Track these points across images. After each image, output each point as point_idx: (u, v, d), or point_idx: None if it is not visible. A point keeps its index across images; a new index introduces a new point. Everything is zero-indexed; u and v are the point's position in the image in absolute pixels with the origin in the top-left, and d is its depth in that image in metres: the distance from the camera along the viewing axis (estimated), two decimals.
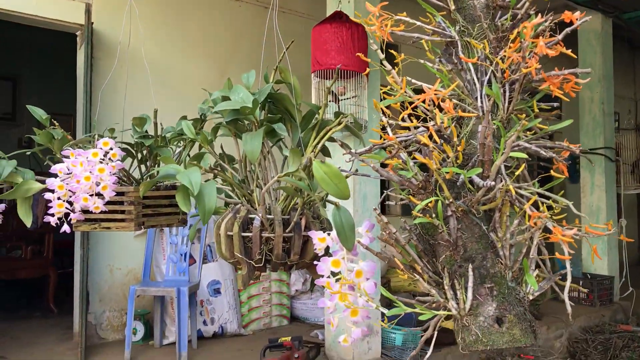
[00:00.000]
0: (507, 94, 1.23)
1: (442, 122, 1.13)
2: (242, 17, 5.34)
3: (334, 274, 1.40)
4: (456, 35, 1.29)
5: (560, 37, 1.21)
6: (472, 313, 1.11)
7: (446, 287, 1.13)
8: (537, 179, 1.32)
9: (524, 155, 1.13)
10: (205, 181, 1.37)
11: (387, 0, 1.40)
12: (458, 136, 1.27)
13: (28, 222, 1.92)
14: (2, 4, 3.89)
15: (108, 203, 2.02)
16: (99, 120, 4.01)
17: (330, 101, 3.92)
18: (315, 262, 1.43)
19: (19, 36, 7.09)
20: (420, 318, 1.14)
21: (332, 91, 4.01)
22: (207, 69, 5.03)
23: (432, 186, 1.15)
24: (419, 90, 1.27)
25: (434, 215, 1.14)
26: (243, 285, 1.61)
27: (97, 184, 1.91)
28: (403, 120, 1.21)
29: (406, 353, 4.05)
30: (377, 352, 4.09)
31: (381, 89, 1.31)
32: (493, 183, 1.06)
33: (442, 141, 1.17)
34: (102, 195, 1.94)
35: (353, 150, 1.29)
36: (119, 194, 2.04)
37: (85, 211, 2.02)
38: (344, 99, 3.98)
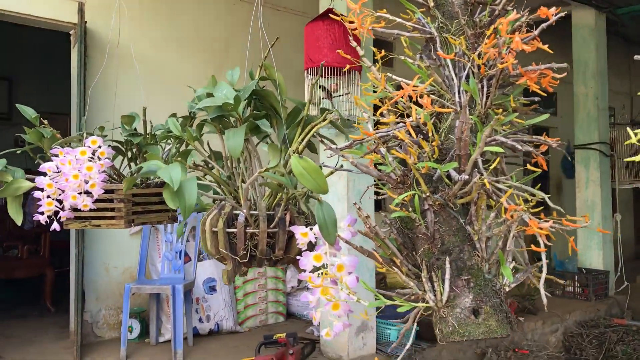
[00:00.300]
0: (485, 89, 1.24)
1: (419, 118, 1.15)
2: (237, 15, 5.35)
3: (317, 268, 1.42)
4: (435, 31, 1.31)
5: (536, 32, 1.22)
6: (449, 305, 1.13)
7: (424, 280, 1.14)
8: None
9: (500, 150, 1.15)
10: (187, 178, 1.38)
11: None
12: (437, 131, 1.29)
13: (18, 221, 1.94)
14: None
15: (98, 201, 2.04)
16: (93, 119, 4.03)
17: (323, 98, 3.94)
18: (299, 257, 1.45)
19: (15, 35, 7.11)
20: (399, 310, 1.16)
21: (326, 88, 4.02)
22: (202, 67, 5.04)
23: (410, 180, 1.17)
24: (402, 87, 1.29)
25: (410, 209, 1.15)
26: (228, 281, 1.63)
27: (86, 182, 1.93)
28: (382, 115, 1.23)
29: (400, 348, 4.08)
30: (372, 347, 4.11)
31: (361, 86, 1.32)
32: (467, 177, 1.08)
33: (420, 136, 1.18)
34: (90, 193, 1.96)
35: (334, 146, 1.30)
36: (108, 191, 2.06)
37: (75, 209, 2.03)
38: (337, 96, 4.00)
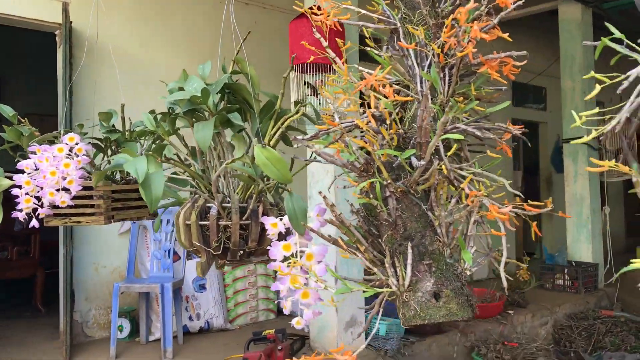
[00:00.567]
0: (447, 78, 1.26)
1: (379, 107, 1.17)
2: (227, 13, 5.36)
3: (287, 258, 1.44)
4: (398, 22, 1.33)
5: (495, 21, 1.24)
6: (411, 289, 1.15)
7: (387, 265, 1.16)
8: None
9: (461, 137, 1.17)
10: (155, 171, 1.40)
11: None
12: (402, 120, 1.31)
13: None
14: None
15: (78, 197, 2.06)
16: (80, 119, 4.04)
17: (308, 95, 3.96)
18: (269, 248, 1.47)
19: (3, 36, 7.09)
20: (363, 296, 1.18)
21: (311, 85, 4.03)
22: (191, 64, 5.04)
23: (373, 169, 1.19)
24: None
25: (371, 196, 1.17)
26: (202, 273, 1.65)
27: (64, 179, 1.94)
28: (345, 105, 1.25)
29: (389, 342, 4.10)
30: (361, 342, 4.13)
31: (327, 77, 1.33)
32: (423, 163, 1.10)
33: (381, 124, 1.20)
34: (68, 189, 1.97)
35: (300, 137, 1.32)
36: (87, 188, 2.07)
37: (55, 206, 2.05)
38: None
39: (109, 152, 2.21)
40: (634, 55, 0.89)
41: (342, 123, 1.25)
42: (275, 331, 4.02)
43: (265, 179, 1.49)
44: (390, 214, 1.18)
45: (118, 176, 2.19)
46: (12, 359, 3.99)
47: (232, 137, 1.47)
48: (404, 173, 1.21)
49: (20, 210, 1.93)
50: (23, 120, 2.10)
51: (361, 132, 1.28)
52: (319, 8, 4.16)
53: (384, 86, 1.22)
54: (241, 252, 1.62)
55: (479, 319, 4.86)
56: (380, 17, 1.38)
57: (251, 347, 3.88)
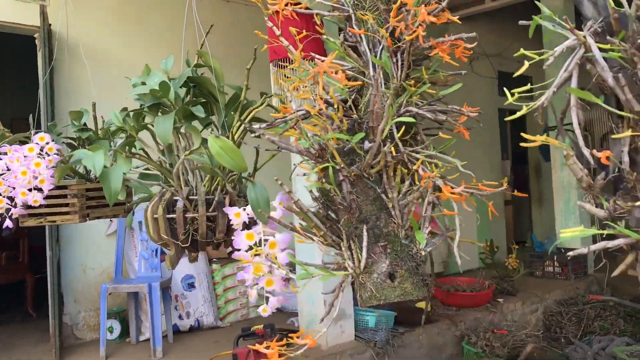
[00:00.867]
0: (400, 63, 1.28)
1: (329, 92, 1.18)
2: (204, 12, 5.35)
3: (252, 247, 1.45)
4: (350, 9, 1.34)
5: (444, 4, 1.26)
6: (367, 271, 1.16)
7: (343, 249, 1.18)
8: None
9: (412, 120, 1.18)
10: (114, 166, 1.41)
11: None
12: (357, 106, 1.33)
13: None
14: None
15: (52, 197, 2.07)
16: (62, 120, 4.03)
17: (287, 90, 3.96)
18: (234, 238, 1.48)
19: None
20: (321, 279, 1.19)
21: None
22: (173, 63, 5.05)
23: (328, 154, 1.20)
24: None
25: (323, 181, 1.19)
26: (172, 266, 1.66)
27: (35, 178, 1.95)
28: (296, 91, 1.26)
29: (379, 334, 4.12)
30: (350, 335, 4.14)
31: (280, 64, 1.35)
32: (370, 145, 1.12)
33: (333, 110, 1.21)
34: (41, 189, 1.98)
35: (256, 126, 1.33)
36: (61, 187, 2.08)
37: (30, 206, 2.05)
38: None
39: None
40: (564, 32, 0.90)
41: (297, 110, 1.26)
42: (264, 326, 4.03)
43: (225, 169, 1.50)
44: (345, 197, 1.19)
45: (93, 175, 2.20)
46: None
47: (187, 128, 1.48)
48: (359, 158, 1.22)
49: None
50: None
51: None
52: (296, 4, 4.16)
53: (336, 72, 1.23)
54: (209, 243, 1.64)
55: (469, 308, 4.89)
56: (335, 4, 1.39)
57: (241, 343, 3.89)
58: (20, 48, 7.10)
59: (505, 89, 1.09)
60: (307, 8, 1.39)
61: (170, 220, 1.62)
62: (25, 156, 1.96)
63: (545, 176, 8.37)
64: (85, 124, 2.13)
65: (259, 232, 1.43)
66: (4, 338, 4.67)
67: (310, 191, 1.31)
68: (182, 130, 1.56)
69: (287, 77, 1.40)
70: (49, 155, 1.97)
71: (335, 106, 1.19)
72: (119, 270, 4.32)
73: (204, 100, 1.73)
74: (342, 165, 1.17)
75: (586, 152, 0.98)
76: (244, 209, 1.46)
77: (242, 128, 1.69)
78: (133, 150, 1.71)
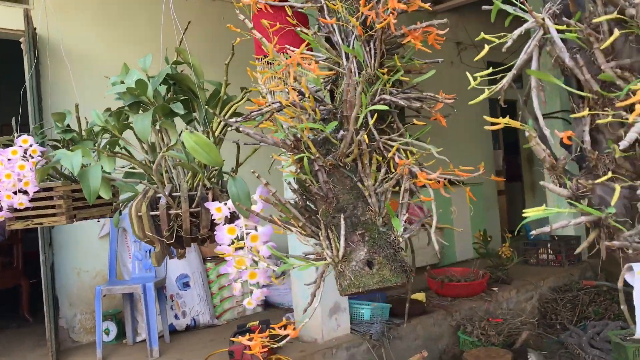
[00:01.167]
0: (373, 51, 1.29)
1: (301, 83, 1.19)
2: (191, 10, 5.34)
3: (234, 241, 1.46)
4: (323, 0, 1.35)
5: None
6: (346, 259, 1.17)
7: (322, 238, 1.19)
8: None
9: (385, 107, 1.19)
10: (93, 165, 1.42)
11: None
12: (333, 96, 1.33)
13: None
14: None
15: (38, 199, 2.07)
16: (49, 124, 4.03)
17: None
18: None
19: None
20: (300, 269, 1.20)
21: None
22: (158, 64, 5.05)
23: (303, 145, 1.21)
24: None
25: (299, 172, 1.20)
26: (157, 263, 1.67)
27: (19, 180, 1.95)
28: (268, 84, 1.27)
29: (374, 326, 4.13)
30: (346, 328, 4.16)
31: (254, 59, 1.35)
32: (344, 134, 1.12)
33: (305, 100, 1.22)
34: (26, 191, 1.98)
35: (232, 120, 1.34)
36: (47, 189, 2.08)
37: (16, 209, 2.06)
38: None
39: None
40: (525, 15, 0.91)
41: (272, 103, 1.27)
42: (259, 323, 4.05)
43: (205, 164, 1.51)
44: (321, 187, 1.20)
45: None
46: None
47: (163, 124, 1.48)
48: (335, 147, 1.23)
49: None
50: None
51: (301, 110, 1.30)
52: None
53: (309, 63, 1.24)
54: (193, 239, 1.64)
55: (464, 298, 4.91)
56: None
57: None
58: (7, 53, 7.08)
59: (467, 73, 1.10)
60: (280, 0, 1.39)
61: (154, 218, 1.62)
62: (9, 159, 1.96)
63: (538, 165, 8.40)
64: (68, 125, 2.14)
65: (240, 226, 1.43)
66: (1, 344, 4.67)
67: (289, 182, 1.32)
68: (157, 127, 1.57)
69: (262, 70, 1.41)
70: (32, 157, 1.98)
71: (307, 96, 1.20)
72: (113, 272, 4.33)
73: (184, 97, 1.73)
74: (317, 156, 1.18)
75: (547, 132, 0.99)
76: (225, 204, 1.46)
77: (222, 123, 1.70)
78: (117, 149, 1.72)
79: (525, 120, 0.99)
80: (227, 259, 1.40)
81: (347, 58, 1.28)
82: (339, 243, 1.16)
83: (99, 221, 4.41)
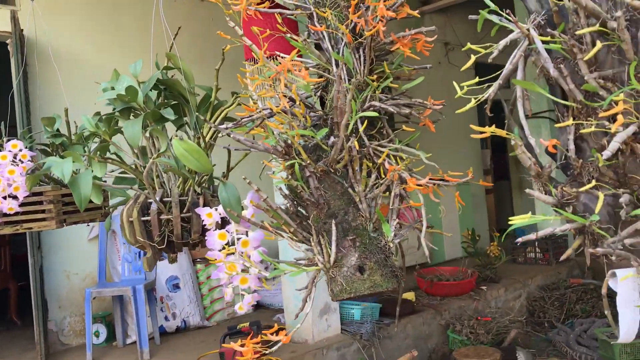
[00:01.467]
0: (362, 58, 1.30)
1: (291, 89, 1.20)
2: (179, 11, 5.33)
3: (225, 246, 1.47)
4: (312, 6, 1.36)
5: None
6: (337, 265, 1.19)
7: (313, 244, 1.20)
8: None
9: (375, 114, 1.21)
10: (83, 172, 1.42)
11: None
12: (323, 103, 1.35)
13: None
14: None
15: (28, 204, 2.06)
16: (39, 127, 4.00)
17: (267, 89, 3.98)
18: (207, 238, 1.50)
19: None
20: (291, 275, 1.21)
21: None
22: (145, 64, 5.03)
23: (294, 151, 1.22)
24: None
25: (290, 178, 1.21)
26: (149, 268, 1.67)
27: (10, 185, 1.94)
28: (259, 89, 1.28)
29: (364, 326, 4.16)
30: (336, 328, 4.18)
31: (245, 63, 1.36)
32: (335, 140, 1.14)
33: (296, 107, 1.23)
34: (16, 196, 1.97)
35: (222, 126, 1.35)
36: (37, 194, 2.08)
37: (5, 214, 2.05)
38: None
39: (57, 157, 2.22)
40: (510, 25, 0.93)
41: (263, 109, 1.28)
42: (250, 324, 4.05)
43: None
44: (312, 193, 1.21)
45: None
46: None
47: (152, 130, 1.49)
48: (325, 154, 1.25)
49: None
50: None
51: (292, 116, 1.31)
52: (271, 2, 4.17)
53: (300, 70, 1.25)
54: (184, 244, 1.65)
55: (453, 297, 4.95)
56: (297, 3, 1.41)
57: (226, 341, 3.90)
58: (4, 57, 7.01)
59: (454, 82, 1.12)
60: (272, 7, 1.41)
61: (145, 223, 1.63)
62: None
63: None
64: (58, 130, 2.13)
65: (231, 231, 1.45)
66: None
67: (280, 188, 1.33)
68: (147, 134, 1.57)
69: (253, 76, 1.41)
70: (22, 162, 1.97)
71: (297, 103, 1.21)
72: (102, 274, 4.31)
73: (175, 102, 1.73)
74: (308, 162, 1.19)
75: (532, 141, 1.01)
76: (216, 209, 1.47)
77: (213, 129, 1.71)
78: (108, 154, 1.72)
79: (511, 129, 1.01)
80: (217, 265, 1.41)
81: (337, 65, 1.29)
82: (330, 249, 1.18)
83: (88, 225, 4.39)
